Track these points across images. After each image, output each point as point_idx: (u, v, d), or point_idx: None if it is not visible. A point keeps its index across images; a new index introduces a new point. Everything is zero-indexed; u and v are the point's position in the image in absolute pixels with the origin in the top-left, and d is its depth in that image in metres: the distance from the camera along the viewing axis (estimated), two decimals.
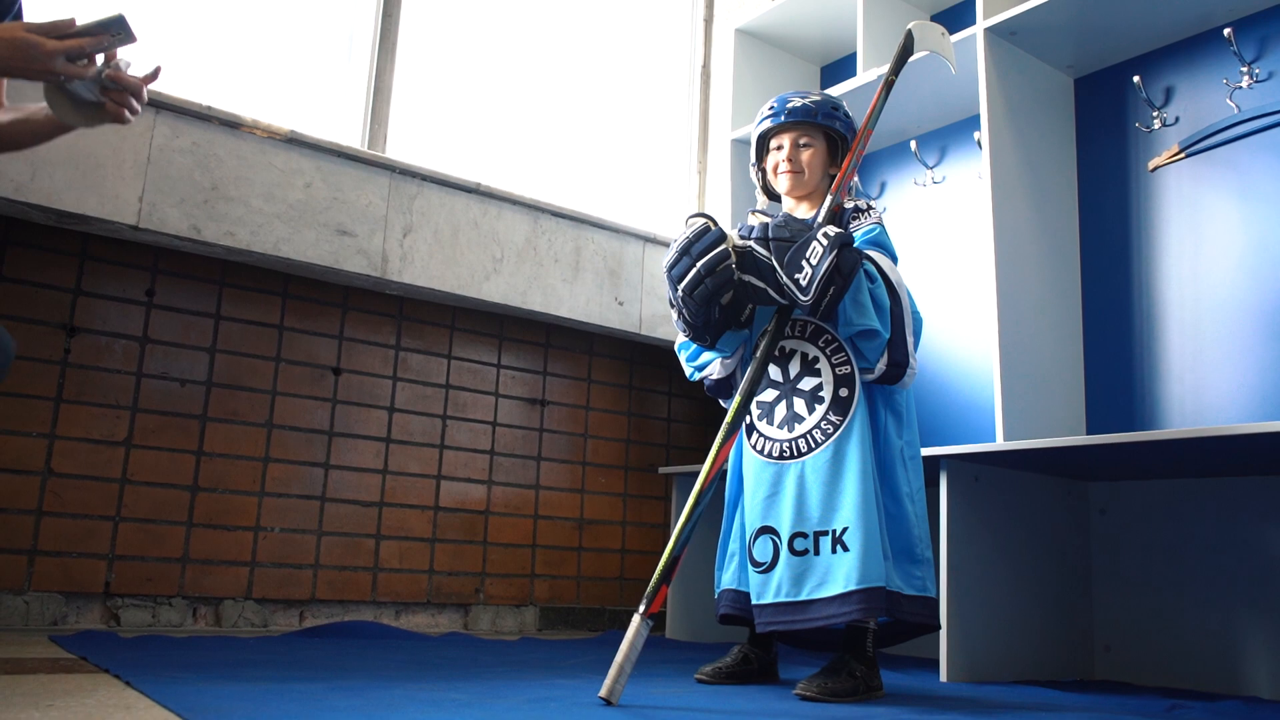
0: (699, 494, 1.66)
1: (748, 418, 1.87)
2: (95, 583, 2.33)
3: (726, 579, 1.91)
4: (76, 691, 1.38)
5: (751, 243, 1.74)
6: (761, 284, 1.73)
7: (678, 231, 1.82)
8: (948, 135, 2.92)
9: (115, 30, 1.46)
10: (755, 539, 1.78)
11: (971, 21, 2.50)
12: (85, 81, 1.50)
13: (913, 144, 2.94)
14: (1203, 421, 2.25)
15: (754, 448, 1.84)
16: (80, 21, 1.45)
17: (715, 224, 1.78)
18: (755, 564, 1.77)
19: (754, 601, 1.76)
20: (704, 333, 1.85)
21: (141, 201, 2.33)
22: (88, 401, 2.37)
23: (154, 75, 1.57)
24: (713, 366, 1.97)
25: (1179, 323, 2.34)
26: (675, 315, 1.85)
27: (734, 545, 1.92)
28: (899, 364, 1.75)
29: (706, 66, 3.65)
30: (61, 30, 1.43)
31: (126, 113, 1.54)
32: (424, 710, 1.34)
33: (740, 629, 1.96)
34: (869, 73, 2.78)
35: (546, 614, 3.00)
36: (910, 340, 1.76)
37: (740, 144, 3.13)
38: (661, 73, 3.64)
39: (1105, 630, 2.35)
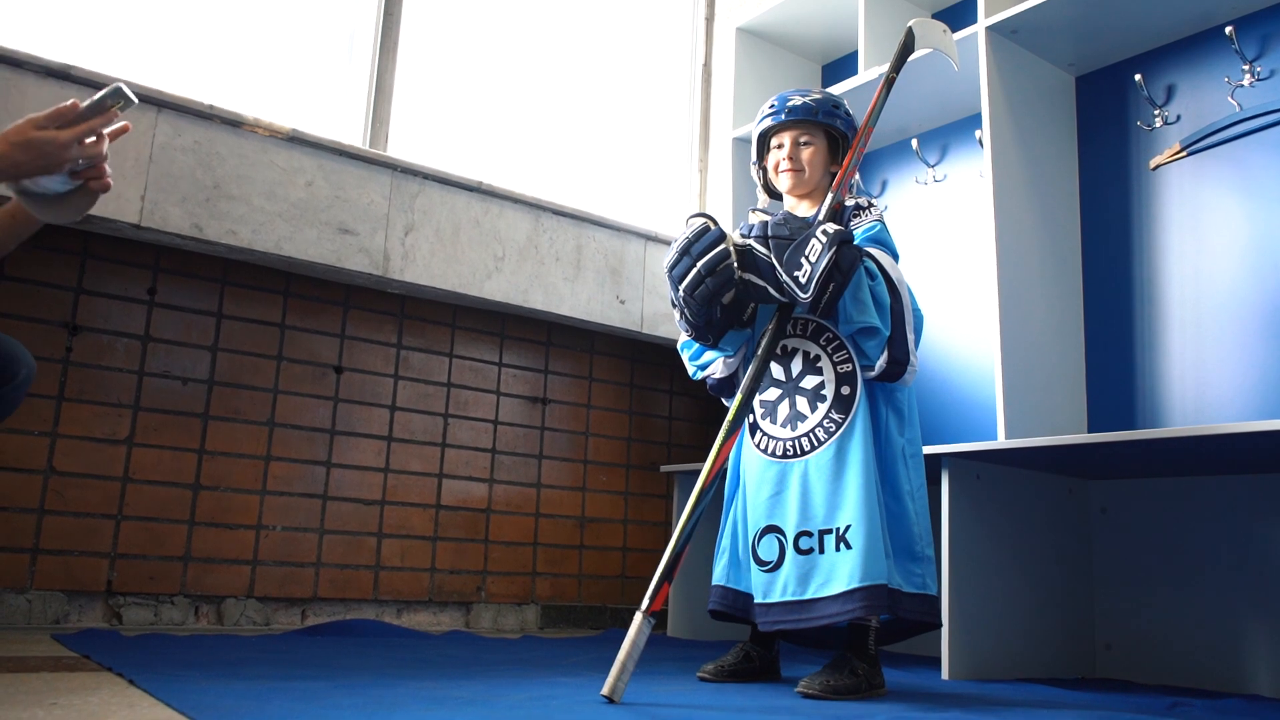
0: (701, 492, 1.66)
1: (751, 417, 1.87)
2: (97, 581, 2.33)
3: (717, 575, 1.92)
4: (80, 690, 1.38)
5: (751, 241, 1.74)
6: (761, 282, 1.73)
7: (679, 230, 1.82)
8: (949, 134, 2.92)
9: (114, 101, 1.45)
10: (760, 538, 1.78)
11: (973, 20, 2.50)
12: (52, 176, 1.45)
13: (914, 142, 2.94)
14: (1204, 420, 2.25)
15: (757, 446, 1.85)
16: (82, 103, 1.43)
17: (715, 224, 1.78)
18: (761, 563, 1.77)
19: (759, 600, 1.77)
20: (706, 332, 1.85)
21: (143, 200, 2.33)
22: (89, 400, 2.37)
23: (119, 132, 1.51)
24: (715, 366, 1.97)
25: (1180, 321, 2.34)
26: (677, 315, 1.85)
27: (726, 542, 1.92)
28: (899, 361, 1.75)
29: (708, 65, 3.65)
30: (66, 117, 1.41)
31: (107, 180, 1.50)
32: (427, 708, 1.35)
33: (741, 626, 1.96)
34: (870, 71, 2.78)
35: (548, 612, 3.01)
36: (911, 337, 1.76)
37: (741, 142, 3.13)
38: (663, 71, 3.64)
39: (1106, 628, 2.35)
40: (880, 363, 1.74)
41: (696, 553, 2.18)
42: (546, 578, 3.02)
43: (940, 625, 1.82)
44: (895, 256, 1.84)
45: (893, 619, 1.81)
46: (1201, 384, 2.28)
